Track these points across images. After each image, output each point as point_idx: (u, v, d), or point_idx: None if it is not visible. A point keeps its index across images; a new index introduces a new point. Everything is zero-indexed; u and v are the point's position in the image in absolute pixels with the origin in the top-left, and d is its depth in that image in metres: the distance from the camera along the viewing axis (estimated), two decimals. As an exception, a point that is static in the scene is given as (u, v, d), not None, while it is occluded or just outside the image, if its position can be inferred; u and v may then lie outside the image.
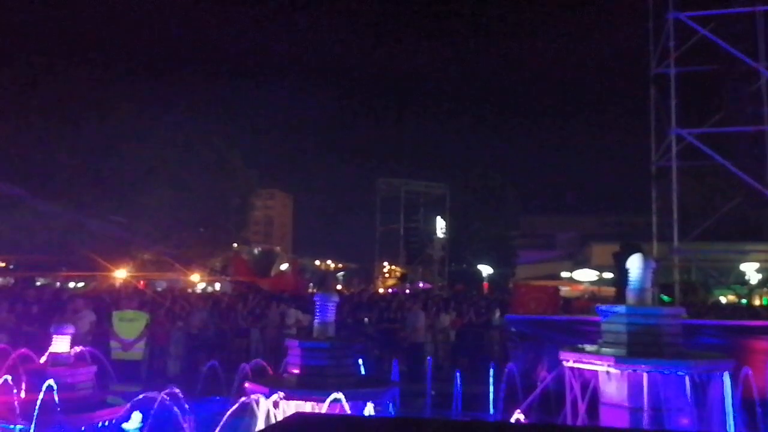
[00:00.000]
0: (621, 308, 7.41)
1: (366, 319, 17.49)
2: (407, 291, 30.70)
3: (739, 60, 19.73)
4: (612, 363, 6.89)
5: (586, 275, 44.70)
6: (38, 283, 21.67)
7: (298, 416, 3.12)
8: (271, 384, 7.57)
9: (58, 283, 21.84)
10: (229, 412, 6.55)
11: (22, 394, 7.14)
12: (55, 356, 7.58)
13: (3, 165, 24.19)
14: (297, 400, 7.12)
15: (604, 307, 7.87)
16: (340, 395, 6.60)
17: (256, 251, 60.10)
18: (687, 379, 6.80)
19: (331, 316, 8.36)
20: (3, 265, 27.92)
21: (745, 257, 29.91)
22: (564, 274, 46.10)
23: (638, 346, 7.01)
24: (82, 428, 7.09)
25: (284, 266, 30.59)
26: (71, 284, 25.86)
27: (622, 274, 9.12)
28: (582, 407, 7.21)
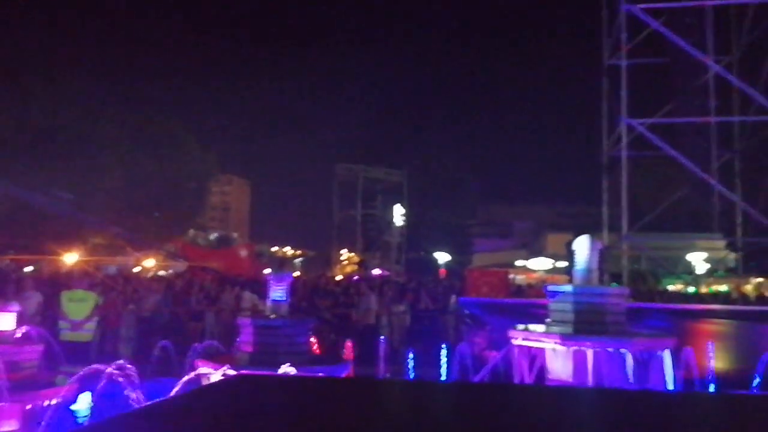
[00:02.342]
0: (568, 288, 7.60)
1: (322, 304, 17.52)
2: (356, 278, 30.81)
3: (688, 53, 20.23)
4: (558, 340, 7.08)
5: (540, 264, 45.52)
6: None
7: (241, 375, 3.15)
8: (223, 361, 7.57)
9: (5, 264, 21.25)
10: (177, 387, 6.51)
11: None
12: (0, 334, 7.43)
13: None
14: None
15: (552, 287, 8.07)
16: (292, 370, 6.64)
17: (212, 237, 59.44)
18: (629, 356, 7.03)
19: (284, 296, 8.39)
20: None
21: (693, 247, 30.83)
22: (519, 263, 46.83)
23: (584, 325, 7.22)
24: (27, 407, 6.97)
25: (241, 252, 30.31)
26: (21, 268, 25.21)
27: (571, 261, 9.35)
28: (529, 383, 7.40)
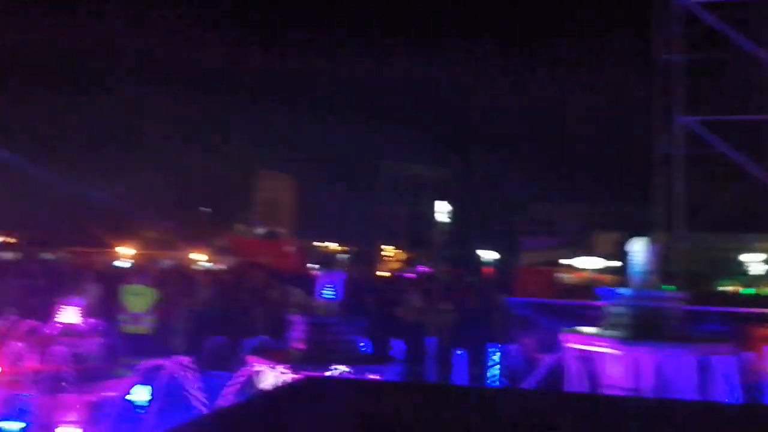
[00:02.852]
0: (624, 291, 7.45)
1: (368, 301, 17.58)
2: (405, 275, 30.81)
3: (744, 48, 19.54)
4: (614, 345, 6.95)
5: (588, 263, 44.75)
6: (45, 258, 21.81)
7: (307, 378, 3.19)
8: (275, 358, 7.67)
9: (65, 259, 21.96)
10: (233, 382, 6.65)
11: (33, 364, 7.24)
12: (64, 327, 7.67)
13: (8, 135, 24.21)
14: (300, 373, 7.22)
15: (605, 289, 7.92)
16: (344, 368, 6.69)
17: (259, 231, 60.22)
18: (689, 361, 6.87)
19: (335, 295, 8.46)
20: (14, 241, 28.02)
21: (749, 248, 29.89)
22: (566, 262, 46.12)
23: (640, 329, 7.07)
24: (92, 398, 7.20)
25: (288, 248, 30.68)
26: (75, 258, 25.98)
27: (625, 262, 9.17)
28: (583, 388, 7.29)
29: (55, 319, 7.91)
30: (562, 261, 45.73)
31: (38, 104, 28.59)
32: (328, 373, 6.86)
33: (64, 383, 6.83)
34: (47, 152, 26.58)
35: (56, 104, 29.21)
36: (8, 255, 22.62)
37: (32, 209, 26.40)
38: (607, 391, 7.23)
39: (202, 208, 38.03)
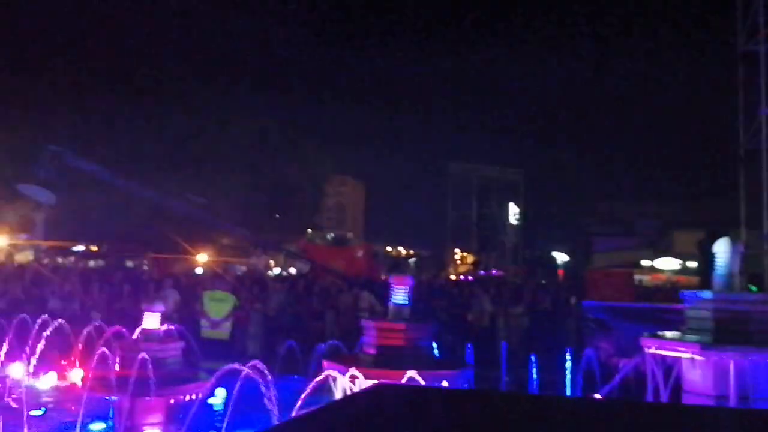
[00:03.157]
0: (707, 294, 7.16)
1: (438, 305, 17.51)
2: (475, 278, 30.55)
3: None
4: (697, 350, 6.68)
5: (667, 264, 43.25)
6: (127, 265, 22.77)
7: (379, 386, 3.19)
8: (348, 362, 7.74)
9: (145, 266, 22.87)
10: (309, 388, 6.74)
11: (117, 368, 7.56)
12: (146, 332, 7.97)
13: (92, 146, 25.45)
14: (373, 378, 7.25)
15: (688, 293, 7.63)
16: (415, 374, 6.68)
17: (329, 237, 61.02)
18: (777, 368, 6.53)
19: (406, 299, 8.46)
20: (95, 249, 29.45)
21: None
22: (644, 263, 44.70)
23: (725, 333, 6.77)
24: (171, 401, 7.45)
25: (358, 252, 30.96)
26: (154, 265, 27.00)
27: (706, 262, 8.81)
28: (664, 395, 7.04)
29: (138, 325, 8.23)
30: (639, 262, 44.37)
31: (118, 113, 29.93)
32: (399, 379, 6.86)
33: (146, 387, 7.09)
34: (128, 161, 27.76)
35: (136, 113, 30.52)
36: (92, 263, 23.76)
37: (115, 218, 27.62)
38: (690, 398, 6.96)
39: (276, 215, 38.91)
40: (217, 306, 12.45)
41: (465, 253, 56.18)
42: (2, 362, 8.65)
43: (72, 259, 26.70)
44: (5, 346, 8.92)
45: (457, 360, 10.17)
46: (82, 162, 14.41)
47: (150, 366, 7.11)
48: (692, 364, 6.83)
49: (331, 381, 7.63)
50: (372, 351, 8.05)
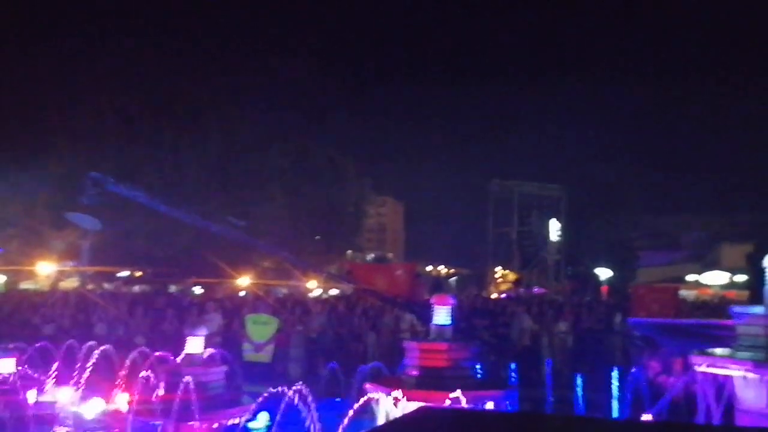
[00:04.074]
0: (759, 309, 6.92)
1: (479, 324, 17.32)
2: (518, 296, 30.15)
3: None
4: (750, 367, 6.45)
5: (715, 278, 42.07)
6: (170, 290, 23.15)
7: (424, 410, 3.16)
8: (391, 385, 7.69)
9: (192, 289, 23.23)
10: (353, 410, 6.71)
11: (161, 392, 7.65)
12: (189, 357, 8.06)
13: (135, 171, 26.04)
14: (416, 400, 7.18)
15: (739, 308, 7.40)
16: (459, 395, 6.61)
17: (369, 258, 61.13)
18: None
19: (448, 319, 8.39)
20: (139, 274, 30.05)
21: None
22: (690, 277, 43.55)
23: (778, 350, 6.53)
24: (215, 425, 7.50)
25: (399, 272, 30.86)
26: (197, 289, 27.38)
27: (757, 275, 8.53)
28: (716, 414, 6.80)
29: (182, 350, 8.33)
30: (685, 277, 43.26)
31: (161, 138, 30.63)
32: (442, 401, 6.79)
33: (190, 411, 7.15)
34: (170, 186, 28.34)
35: (178, 137, 31.17)
36: (136, 288, 24.23)
37: (158, 243, 28.15)
38: (743, 417, 6.71)
39: (316, 237, 39.16)
40: (260, 329, 12.53)
41: (506, 271, 55.58)
42: (51, 388, 8.83)
43: (117, 284, 27.29)
44: (54, 372, 9.12)
45: (500, 381, 10.02)
46: (123, 188, 14.70)
47: (193, 390, 7.18)
48: (745, 382, 6.59)
49: (373, 404, 7.58)
50: (415, 372, 7.98)
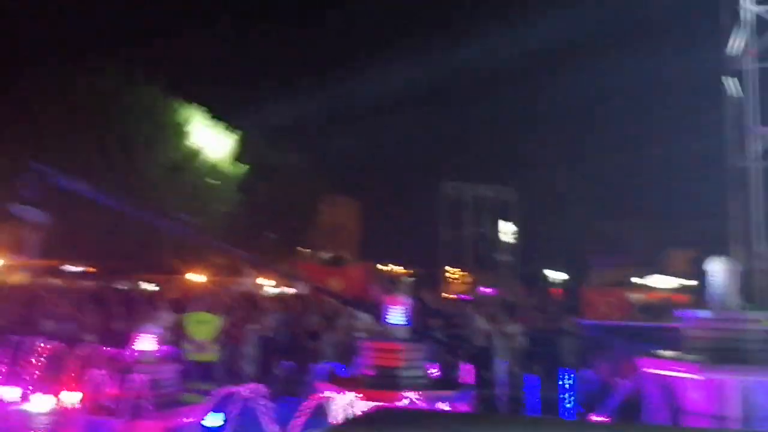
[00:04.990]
0: (703, 313, 7.17)
1: (434, 324, 17.45)
2: (471, 297, 30.48)
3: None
4: (696, 370, 6.68)
5: (661, 282, 43.26)
6: (120, 287, 22.65)
7: (380, 409, 3.17)
8: (345, 384, 7.70)
9: (144, 286, 22.77)
10: (304, 410, 6.70)
11: (112, 391, 7.49)
12: (141, 354, 7.91)
13: (84, 166, 25.38)
14: (370, 400, 7.21)
15: (684, 311, 7.65)
16: (413, 395, 6.65)
17: (324, 256, 60.89)
18: (776, 387, 6.53)
19: (403, 319, 8.44)
20: (90, 270, 29.30)
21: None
22: (638, 281, 44.70)
23: (723, 352, 6.78)
24: (169, 424, 7.38)
25: (353, 272, 30.85)
26: (147, 286, 26.87)
27: (700, 280, 8.83)
28: (663, 415, 7.02)
29: (133, 347, 8.17)
30: (634, 280, 44.40)
31: (112, 133, 29.95)
32: (397, 400, 6.83)
33: (142, 409, 7.02)
34: (122, 183, 27.74)
35: (127, 136, 30.53)
36: (87, 284, 23.63)
37: (108, 238, 27.52)
38: (689, 419, 6.93)
39: (270, 235, 38.84)
40: (201, 328, 12.28)
41: (460, 272, 56.13)
42: (-3, 386, 8.56)
43: (66, 280, 26.56)
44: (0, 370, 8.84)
45: (454, 381, 10.12)
46: (67, 181, 14.21)
47: (145, 388, 7.05)
48: (691, 384, 6.82)
49: (327, 403, 7.58)
50: (369, 372, 8.01)
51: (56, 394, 8.03)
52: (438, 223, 53.84)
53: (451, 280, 55.81)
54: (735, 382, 6.47)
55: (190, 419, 7.37)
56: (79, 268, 29.81)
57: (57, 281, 25.14)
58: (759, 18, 19.32)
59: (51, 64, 30.31)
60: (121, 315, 14.42)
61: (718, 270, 7.21)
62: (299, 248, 46.58)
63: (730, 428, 6.09)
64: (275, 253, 37.27)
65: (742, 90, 19.85)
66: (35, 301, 15.58)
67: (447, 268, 56.13)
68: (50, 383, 8.51)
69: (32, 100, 29.55)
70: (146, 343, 8.02)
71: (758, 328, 7.02)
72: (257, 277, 28.88)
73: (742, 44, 19.88)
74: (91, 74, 30.66)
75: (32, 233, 24.27)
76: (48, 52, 29.67)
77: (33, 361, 8.64)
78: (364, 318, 16.96)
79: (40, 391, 8.18)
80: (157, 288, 23.94)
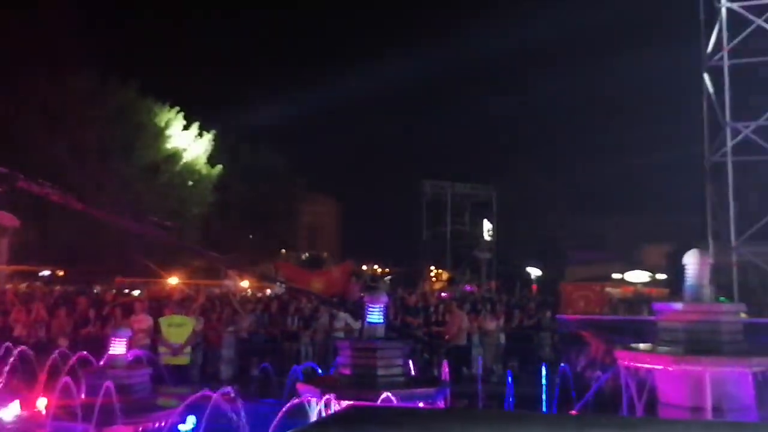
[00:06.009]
0: (678, 305, 7.20)
1: (413, 322, 17.43)
2: (443, 294, 30.46)
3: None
4: (670, 362, 6.70)
5: (638, 276, 43.65)
6: (92, 291, 22.35)
7: (353, 408, 3.11)
8: (322, 385, 7.61)
9: (113, 290, 22.46)
10: (281, 412, 6.60)
11: (83, 396, 7.33)
12: (112, 358, 7.76)
13: (59, 173, 24.96)
14: (348, 400, 7.13)
15: (659, 304, 7.68)
16: (389, 395, 6.59)
17: (303, 257, 60.63)
18: (750, 377, 6.57)
19: (381, 317, 8.37)
20: (62, 274, 28.87)
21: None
22: (615, 276, 45.06)
23: (697, 344, 6.81)
24: (140, 429, 7.24)
25: (333, 271, 30.67)
26: (126, 290, 26.56)
27: (676, 274, 8.88)
28: (639, 407, 7.03)
29: (104, 351, 8.02)
30: (611, 275, 44.74)
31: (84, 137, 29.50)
32: (375, 400, 6.75)
33: (113, 415, 6.88)
34: (95, 185, 27.36)
35: (100, 140, 30.10)
36: (58, 288, 23.27)
37: (80, 242, 27.15)
38: (665, 411, 6.96)
39: (248, 235, 38.59)
40: (176, 331, 12.14)
41: (439, 270, 56.20)
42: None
43: (37, 284, 26.12)
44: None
45: (433, 378, 10.08)
46: (35, 185, 13.91)
47: (116, 393, 6.91)
48: (666, 376, 6.84)
49: (306, 404, 7.49)
50: (347, 372, 7.93)
51: (25, 400, 7.86)
52: (418, 221, 53.89)
53: (431, 277, 55.88)
54: (708, 373, 6.49)
55: (163, 424, 7.23)
56: (51, 272, 29.38)
57: (28, 285, 24.71)
58: (735, 15, 19.57)
59: (24, 65, 29.80)
60: (94, 319, 14.19)
61: (691, 262, 7.24)
62: (278, 248, 46.33)
63: (704, 419, 6.11)
64: (253, 253, 37.02)
65: (718, 86, 20.10)
66: (5, 306, 15.28)
67: (427, 266, 56.20)
68: (19, 389, 8.33)
69: (5, 101, 29.05)
70: (117, 347, 7.86)
71: (731, 320, 7.06)
72: (235, 278, 28.64)
73: (717, 41, 20.15)
74: (64, 76, 30.21)
75: (3, 237, 23.85)
76: (21, 54, 29.08)
77: (2, 366, 8.44)
78: (344, 318, 16.88)
79: (9, 397, 7.99)
80: (131, 291, 23.63)
